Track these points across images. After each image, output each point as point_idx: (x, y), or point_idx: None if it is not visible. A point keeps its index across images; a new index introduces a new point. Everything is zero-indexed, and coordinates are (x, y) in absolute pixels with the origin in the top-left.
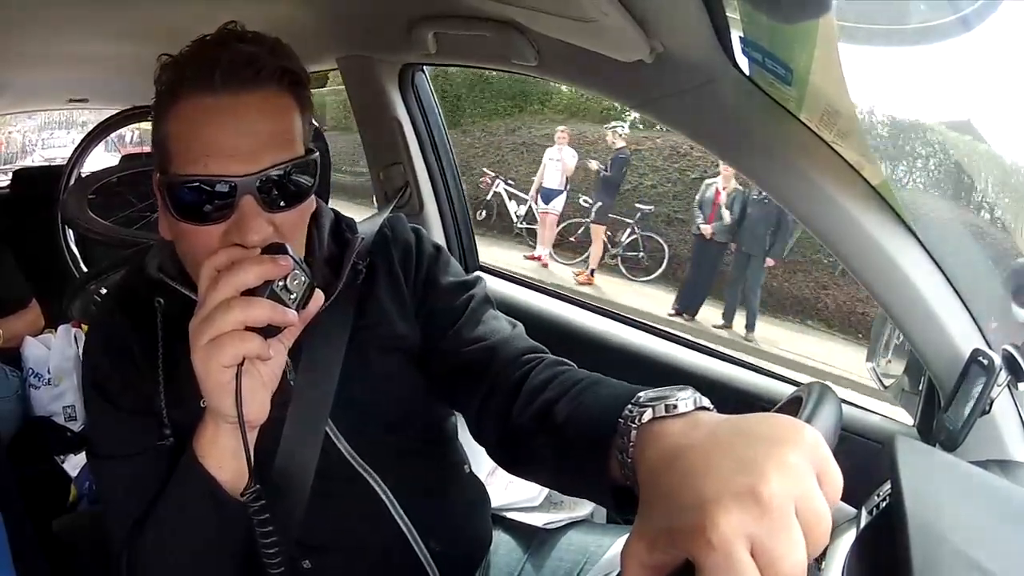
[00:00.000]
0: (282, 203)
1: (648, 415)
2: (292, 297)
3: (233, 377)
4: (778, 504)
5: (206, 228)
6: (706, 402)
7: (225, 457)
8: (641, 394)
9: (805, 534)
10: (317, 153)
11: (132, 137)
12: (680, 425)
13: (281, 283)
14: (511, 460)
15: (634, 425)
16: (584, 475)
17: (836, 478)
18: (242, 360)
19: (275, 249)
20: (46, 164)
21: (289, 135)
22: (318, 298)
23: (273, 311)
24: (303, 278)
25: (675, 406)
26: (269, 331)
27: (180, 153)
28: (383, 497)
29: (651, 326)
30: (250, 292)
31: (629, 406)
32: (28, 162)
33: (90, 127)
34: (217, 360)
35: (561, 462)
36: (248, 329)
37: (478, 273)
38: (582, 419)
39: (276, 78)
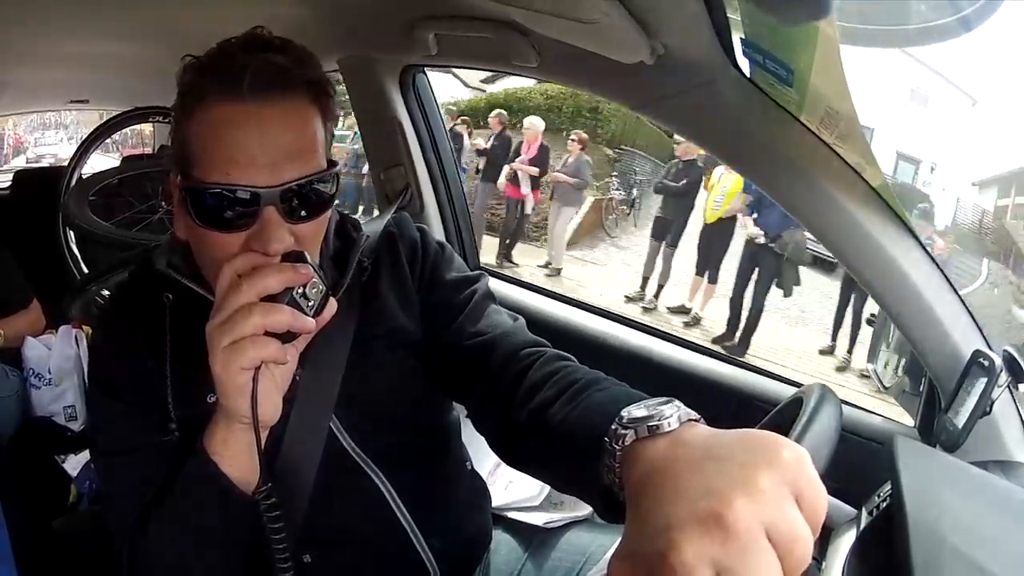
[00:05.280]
0: (303, 213)
1: (631, 437)
2: (310, 304)
3: (250, 380)
4: (744, 529)
5: (227, 235)
6: (693, 414)
7: (237, 456)
8: (624, 413)
9: (781, 558)
10: (338, 164)
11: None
12: (663, 445)
13: (300, 290)
14: (508, 454)
15: (618, 447)
16: (575, 480)
17: (815, 499)
18: (259, 363)
19: (295, 257)
20: (39, 165)
21: (312, 146)
22: (332, 306)
23: (293, 318)
24: (320, 286)
25: (658, 427)
26: (286, 336)
27: (203, 158)
28: (385, 493)
29: (651, 328)
30: (269, 298)
31: (614, 425)
32: (21, 160)
33: (73, 128)
34: (236, 363)
35: (554, 463)
36: (266, 334)
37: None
38: (572, 429)
39: (303, 89)
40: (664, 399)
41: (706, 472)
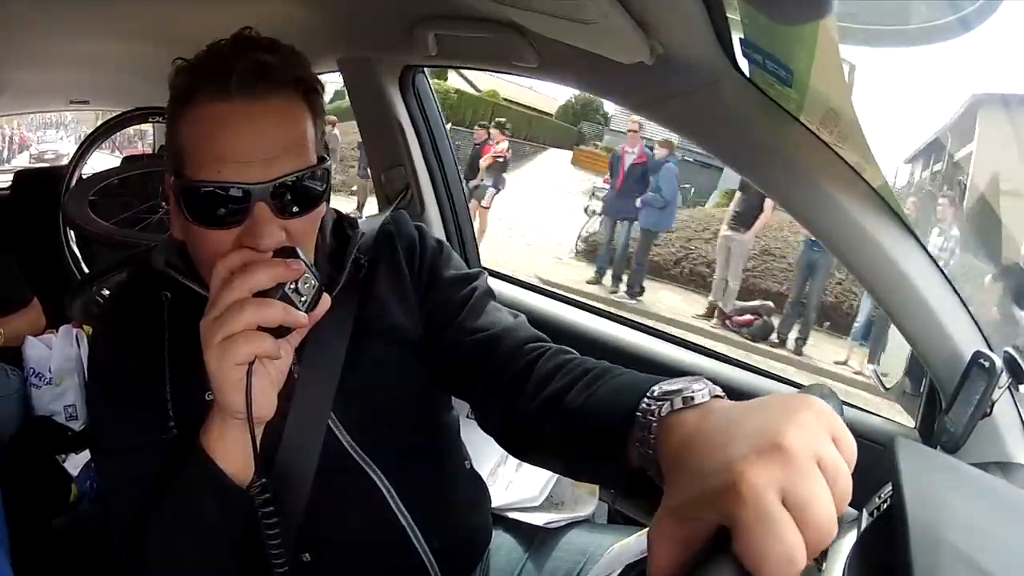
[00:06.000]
0: (294, 209)
1: (667, 408)
2: (302, 299)
3: (244, 375)
4: (800, 454)
5: (220, 232)
6: (719, 390)
7: (233, 452)
8: (655, 388)
9: (829, 486)
10: (329, 160)
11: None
12: (696, 414)
13: (292, 286)
14: (518, 446)
15: (653, 419)
16: (599, 463)
17: (850, 440)
18: (253, 359)
19: (286, 252)
20: (41, 163)
21: (302, 143)
22: (325, 301)
23: (285, 312)
24: (313, 281)
25: (692, 398)
26: (279, 332)
27: (195, 158)
28: (385, 492)
29: (650, 327)
30: (261, 294)
31: (646, 400)
32: (25, 155)
33: (72, 127)
34: (230, 359)
35: (574, 450)
36: (259, 329)
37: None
38: (597, 410)
39: (291, 87)
40: (690, 376)
41: (753, 418)
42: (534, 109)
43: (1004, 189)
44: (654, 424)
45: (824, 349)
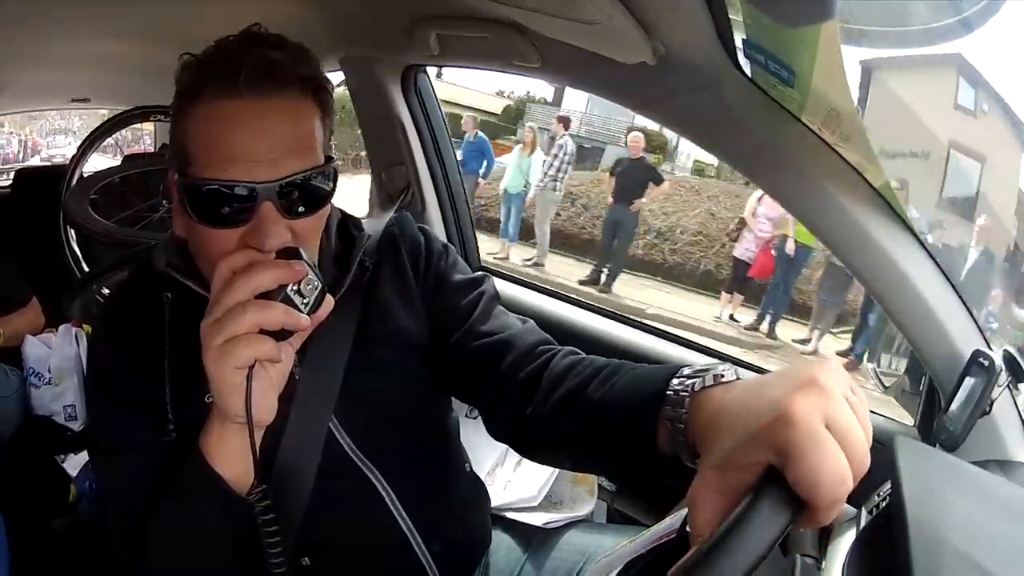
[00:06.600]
0: (301, 209)
1: (699, 384)
2: (305, 301)
3: (244, 379)
4: (834, 389)
5: (224, 231)
6: (743, 373)
7: (232, 457)
8: (685, 369)
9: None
10: (336, 160)
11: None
12: (723, 389)
13: (295, 287)
14: (529, 446)
15: (686, 394)
16: (626, 450)
17: (861, 397)
18: (253, 362)
19: (290, 254)
20: (49, 164)
21: (310, 142)
22: (329, 303)
23: (287, 315)
24: (316, 283)
25: (722, 375)
26: (281, 334)
27: (200, 155)
28: (385, 496)
29: (652, 327)
30: (264, 295)
31: (676, 380)
32: (36, 159)
33: (81, 132)
34: (230, 362)
35: (592, 443)
36: (260, 332)
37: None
38: (619, 400)
39: (299, 85)
40: (716, 361)
41: (781, 376)
42: (481, 111)
43: (881, 151)
44: (687, 399)
45: (486, 247)
